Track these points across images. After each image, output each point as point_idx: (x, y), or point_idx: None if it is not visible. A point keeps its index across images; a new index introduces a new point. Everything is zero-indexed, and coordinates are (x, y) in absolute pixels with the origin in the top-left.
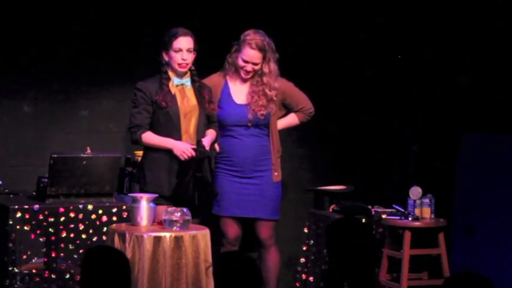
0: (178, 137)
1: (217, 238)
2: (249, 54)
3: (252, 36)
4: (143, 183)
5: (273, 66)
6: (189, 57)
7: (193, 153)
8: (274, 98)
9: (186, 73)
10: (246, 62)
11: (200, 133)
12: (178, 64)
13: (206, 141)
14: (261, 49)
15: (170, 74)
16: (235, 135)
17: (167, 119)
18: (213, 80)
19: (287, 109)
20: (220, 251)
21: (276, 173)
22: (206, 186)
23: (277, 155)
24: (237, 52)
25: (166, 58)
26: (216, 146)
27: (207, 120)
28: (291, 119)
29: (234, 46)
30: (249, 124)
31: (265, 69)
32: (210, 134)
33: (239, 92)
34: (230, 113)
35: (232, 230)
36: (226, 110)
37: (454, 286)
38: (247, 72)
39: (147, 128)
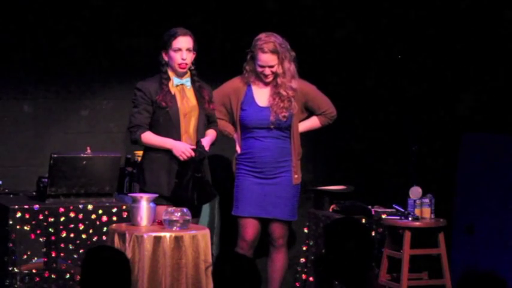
0: (177, 137)
1: (227, 240)
2: (263, 59)
3: (263, 40)
4: (143, 184)
5: (288, 66)
6: (189, 57)
7: (193, 154)
8: (292, 98)
9: (186, 73)
10: (262, 66)
11: (200, 133)
12: (178, 64)
13: (206, 142)
14: (274, 51)
15: (170, 74)
16: (257, 136)
17: (167, 119)
18: (236, 84)
19: (309, 112)
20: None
21: (296, 175)
22: (205, 186)
23: (297, 157)
24: (253, 59)
25: (165, 58)
26: (238, 148)
27: (207, 121)
28: (313, 122)
29: (248, 53)
30: (271, 126)
31: (279, 70)
32: (210, 135)
33: (262, 95)
34: (252, 115)
35: (250, 231)
36: (248, 112)
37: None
38: (267, 76)
39: (146, 128)
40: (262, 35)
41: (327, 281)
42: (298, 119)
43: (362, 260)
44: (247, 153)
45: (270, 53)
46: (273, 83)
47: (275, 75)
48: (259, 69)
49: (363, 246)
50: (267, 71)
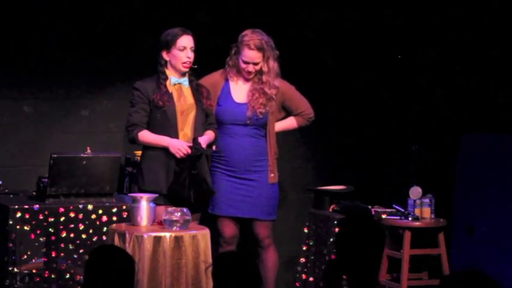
0: (175, 135)
1: (214, 237)
2: (248, 55)
3: (250, 37)
4: (142, 183)
5: (272, 64)
6: (192, 56)
7: (189, 151)
8: (274, 97)
9: (185, 72)
10: (246, 63)
11: (197, 131)
12: (183, 62)
13: (203, 140)
14: (260, 49)
15: (168, 73)
16: (232, 134)
17: (164, 118)
18: (214, 78)
19: (287, 112)
20: (218, 251)
21: (272, 174)
22: (202, 183)
23: (274, 156)
24: (237, 54)
25: (166, 57)
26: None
27: (205, 121)
28: (290, 122)
29: (232, 48)
30: (248, 122)
31: (264, 68)
32: (208, 134)
33: (239, 91)
34: (228, 111)
35: (228, 229)
36: (224, 107)
37: (457, 283)
38: (249, 72)
39: (143, 126)
40: (248, 31)
41: (336, 281)
42: (274, 118)
43: (373, 258)
44: (221, 151)
45: (256, 50)
46: (254, 80)
47: (258, 72)
48: (243, 65)
49: (375, 246)
50: (251, 67)
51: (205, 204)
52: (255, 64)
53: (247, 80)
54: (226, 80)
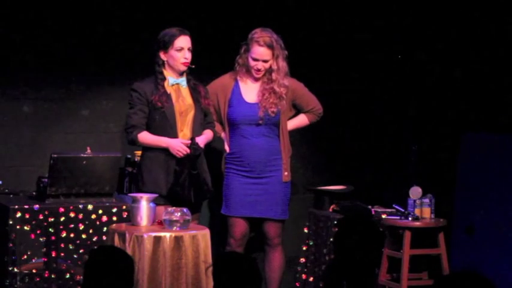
0: (174, 136)
1: (218, 238)
2: (258, 52)
3: (260, 34)
4: (141, 184)
5: (282, 63)
6: (190, 56)
7: (188, 150)
8: (284, 96)
9: (183, 73)
10: (255, 60)
11: (196, 131)
12: (181, 63)
13: (200, 139)
14: (270, 46)
15: (166, 73)
16: (246, 134)
17: (163, 119)
18: (223, 81)
19: (297, 110)
20: (226, 251)
21: (286, 173)
22: (202, 183)
23: (288, 154)
24: (246, 52)
25: (164, 58)
26: (226, 147)
27: (204, 120)
28: (301, 120)
29: (242, 46)
30: (260, 122)
31: (274, 66)
32: (206, 134)
33: (250, 91)
34: (240, 111)
35: (239, 229)
36: (236, 108)
37: (452, 284)
38: (259, 70)
39: (143, 128)
40: (258, 30)
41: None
42: (286, 116)
43: (372, 260)
44: (236, 152)
45: (265, 47)
46: (263, 79)
47: (268, 71)
48: (252, 63)
49: (373, 246)
50: (260, 65)
51: (206, 203)
52: (265, 62)
53: (256, 79)
54: (236, 81)
